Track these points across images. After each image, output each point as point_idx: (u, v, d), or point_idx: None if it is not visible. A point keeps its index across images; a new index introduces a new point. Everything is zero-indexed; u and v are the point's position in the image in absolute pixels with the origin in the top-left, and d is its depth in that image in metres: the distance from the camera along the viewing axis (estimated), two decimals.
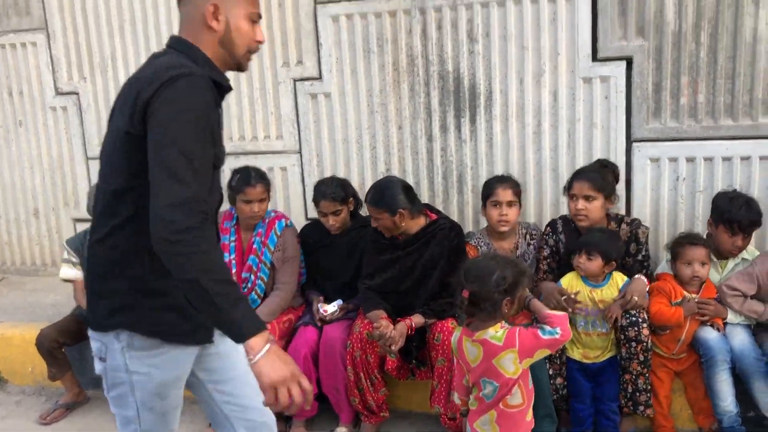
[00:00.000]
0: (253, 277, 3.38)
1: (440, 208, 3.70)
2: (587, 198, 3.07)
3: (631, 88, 3.53)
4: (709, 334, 2.92)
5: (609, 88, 3.55)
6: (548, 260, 3.25)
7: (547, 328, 2.22)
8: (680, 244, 3.01)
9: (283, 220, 3.48)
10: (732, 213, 2.96)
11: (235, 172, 3.40)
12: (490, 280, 2.21)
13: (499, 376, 2.22)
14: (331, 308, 3.31)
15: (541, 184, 3.76)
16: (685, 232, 3.22)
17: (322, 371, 3.23)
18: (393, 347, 2.96)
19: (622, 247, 3.05)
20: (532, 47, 3.64)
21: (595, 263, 2.94)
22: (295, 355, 3.20)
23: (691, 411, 3.04)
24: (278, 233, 3.42)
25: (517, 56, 3.67)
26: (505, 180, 3.37)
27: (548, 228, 3.31)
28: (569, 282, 3.05)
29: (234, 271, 3.38)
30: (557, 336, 2.20)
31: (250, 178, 3.32)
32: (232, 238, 3.43)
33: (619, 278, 3.00)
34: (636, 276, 2.98)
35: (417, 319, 3.06)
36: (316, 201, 3.42)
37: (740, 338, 2.89)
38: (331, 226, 3.41)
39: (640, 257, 3.12)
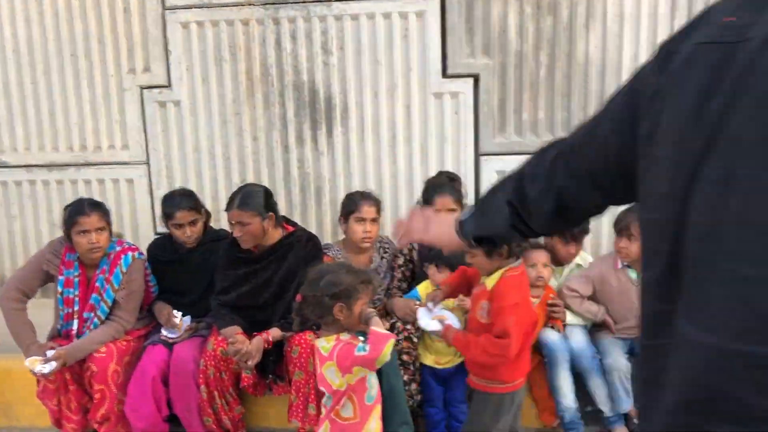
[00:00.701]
0: (93, 316, 3.12)
1: (297, 220, 3.66)
2: (451, 211, 3.14)
3: (478, 104, 3.70)
4: (550, 336, 3.10)
5: (458, 104, 3.70)
6: (402, 269, 3.32)
7: (367, 346, 2.18)
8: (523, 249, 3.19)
9: (130, 253, 3.18)
10: None
11: (66, 207, 3.13)
12: (319, 283, 2.22)
13: (328, 386, 2.23)
14: (182, 317, 3.18)
15: (396, 197, 3.84)
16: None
17: (172, 392, 3.08)
18: (249, 362, 2.88)
19: None
20: (386, 62, 3.71)
21: (444, 275, 3.03)
22: (143, 377, 3.04)
23: (536, 409, 3.21)
24: (124, 270, 3.14)
25: (371, 70, 3.73)
26: (370, 197, 3.35)
27: None
28: (425, 288, 3.12)
29: (77, 309, 3.11)
30: (364, 353, 2.15)
31: (83, 206, 3.05)
32: (76, 273, 3.12)
33: None
34: None
35: (275, 333, 2.99)
36: (170, 213, 3.23)
37: (578, 338, 3.11)
38: (188, 238, 3.25)
39: None
